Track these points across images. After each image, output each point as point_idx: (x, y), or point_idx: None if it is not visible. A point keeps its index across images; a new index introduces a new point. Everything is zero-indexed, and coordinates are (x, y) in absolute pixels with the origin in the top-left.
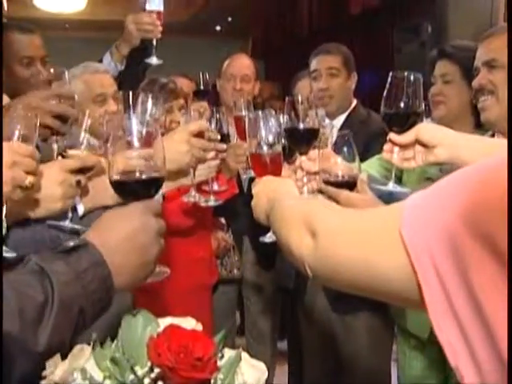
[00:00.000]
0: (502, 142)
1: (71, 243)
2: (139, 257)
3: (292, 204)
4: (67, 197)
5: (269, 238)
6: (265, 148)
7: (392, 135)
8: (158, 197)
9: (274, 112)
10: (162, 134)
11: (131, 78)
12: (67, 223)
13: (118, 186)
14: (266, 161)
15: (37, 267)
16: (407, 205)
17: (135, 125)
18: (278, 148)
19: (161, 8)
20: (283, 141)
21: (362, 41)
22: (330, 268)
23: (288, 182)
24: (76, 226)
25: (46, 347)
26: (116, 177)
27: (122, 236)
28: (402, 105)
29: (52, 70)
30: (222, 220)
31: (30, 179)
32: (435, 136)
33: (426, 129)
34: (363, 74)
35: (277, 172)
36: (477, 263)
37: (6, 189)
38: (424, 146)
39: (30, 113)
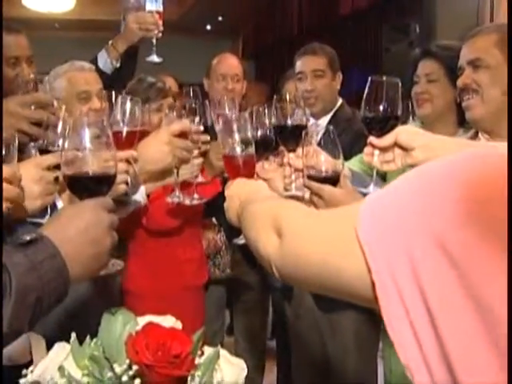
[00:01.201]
0: (477, 143)
1: (28, 237)
2: (92, 249)
3: (261, 205)
4: (45, 194)
5: (242, 239)
6: (238, 150)
7: (372, 138)
8: (143, 197)
9: (247, 115)
10: (147, 134)
11: (127, 75)
12: (46, 220)
13: (69, 182)
14: (238, 163)
15: None
16: (364, 205)
17: (86, 129)
18: (251, 150)
19: (160, 8)
20: (271, 135)
21: (351, 40)
22: (294, 268)
23: (260, 183)
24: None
25: (6, 332)
26: (68, 173)
27: (76, 230)
28: (381, 108)
29: (32, 76)
30: (214, 220)
31: (7, 205)
32: (413, 139)
33: (404, 132)
34: (352, 73)
35: (250, 174)
36: (428, 265)
37: None
38: (403, 148)
39: (7, 118)
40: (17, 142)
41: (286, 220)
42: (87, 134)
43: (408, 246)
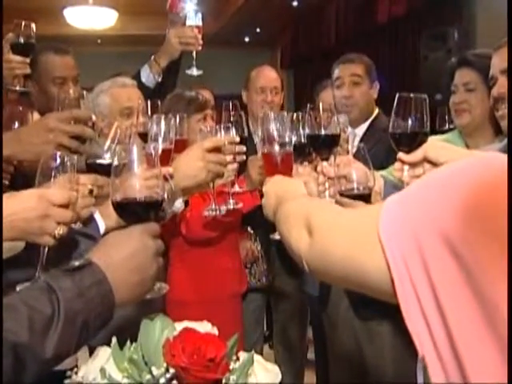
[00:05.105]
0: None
1: (77, 263)
2: (138, 275)
3: (295, 203)
4: (80, 207)
5: (277, 235)
6: (276, 148)
7: (401, 154)
8: (181, 203)
9: (285, 113)
10: (185, 143)
11: (168, 89)
12: (77, 226)
13: (118, 208)
14: (276, 160)
15: (45, 284)
16: (385, 205)
17: (135, 150)
18: (289, 148)
19: (200, 23)
20: (305, 141)
21: (389, 49)
22: (321, 262)
23: (296, 181)
24: (87, 231)
25: (53, 355)
26: (116, 199)
27: (123, 256)
28: (409, 125)
29: (71, 92)
30: (250, 230)
31: (60, 230)
32: (441, 154)
33: (433, 147)
34: (390, 81)
35: (287, 171)
36: (436, 262)
37: (31, 236)
38: (432, 163)
39: (47, 133)
40: (58, 161)
41: (316, 218)
42: (135, 155)
43: (419, 242)
